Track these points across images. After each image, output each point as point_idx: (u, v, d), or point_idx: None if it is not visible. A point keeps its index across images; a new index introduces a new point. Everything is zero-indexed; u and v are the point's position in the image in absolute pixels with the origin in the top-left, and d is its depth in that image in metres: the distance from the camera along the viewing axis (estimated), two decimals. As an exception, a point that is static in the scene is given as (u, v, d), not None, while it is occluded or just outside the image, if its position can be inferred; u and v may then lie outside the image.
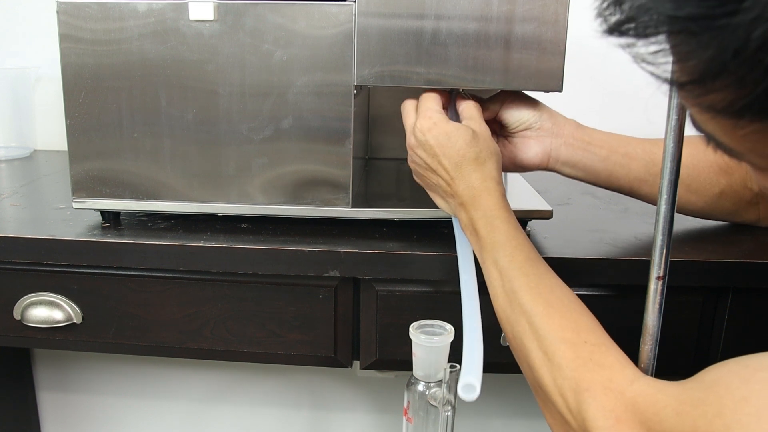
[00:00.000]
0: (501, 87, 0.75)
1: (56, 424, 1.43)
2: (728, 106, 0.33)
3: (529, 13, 0.72)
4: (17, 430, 1.35)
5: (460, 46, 0.73)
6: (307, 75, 0.75)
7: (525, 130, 0.77)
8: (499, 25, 0.72)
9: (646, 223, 0.88)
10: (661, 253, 0.56)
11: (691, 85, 0.34)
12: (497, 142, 0.79)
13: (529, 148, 0.77)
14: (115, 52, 0.76)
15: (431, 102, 0.72)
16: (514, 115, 0.77)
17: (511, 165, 0.79)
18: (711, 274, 0.76)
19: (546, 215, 0.81)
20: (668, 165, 0.54)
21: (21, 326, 0.82)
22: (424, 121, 0.70)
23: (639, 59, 0.35)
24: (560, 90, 0.74)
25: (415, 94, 1.06)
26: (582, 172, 0.79)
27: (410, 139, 0.71)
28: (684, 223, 0.87)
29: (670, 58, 0.34)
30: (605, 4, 0.36)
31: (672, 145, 0.54)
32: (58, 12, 0.75)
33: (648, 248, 0.71)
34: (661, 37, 0.34)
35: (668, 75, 0.35)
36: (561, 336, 0.55)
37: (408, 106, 0.74)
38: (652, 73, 0.35)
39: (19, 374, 1.35)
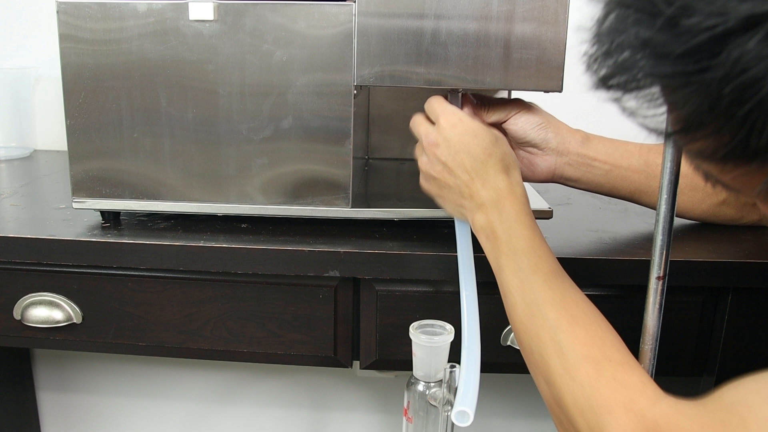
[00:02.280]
0: (501, 87, 0.75)
1: (56, 424, 1.43)
2: (712, 153, 0.35)
3: (529, 13, 0.72)
4: (17, 430, 1.35)
5: (460, 46, 0.73)
6: (307, 75, 0.75)
7: (530, 146, 0.77)
8: (499, 25, 0.72)
9: (646, 223, 0.88)
10: (661, 253, 0.56)
11: (677, 134, 0.36)
12: None
13: (534, 166, 0.78)
14: (115, 52, 0.76)
15: (446, 103, 0.71)
16: (521, 131, 0.76)
17: (528, 174, 0.79)
18: (711, 274, 0.76)
19: (546, 215, 0.81)
20: (668, 165, 0.54)
21: (21, 326, 0.82)
22: (449, 117, 0.68)
23: (627, 112, 0.37)
24: (560, 90, 0.74)
25: (416, 93, 1.06)
26: (584, 185, 0.80)
27: (430, 137, 0.68)
28: (684, 223, 0.87)
29: (656, 110, 0.36)
30: (593, 59, 0.37)
31: (672, 145, 0.54)
32: (58, 12, 0.75)
33: (648, 248, 0.71)
34: (647, 91, 0.35)
35: (656, 125, 0.37)
36: (585, 353, 0.54)
37: (421, 116, 0.72)
38: (641, 124, 0.37)
39: (19, 374, 1.35)
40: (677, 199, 0.78)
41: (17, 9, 1.26)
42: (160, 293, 0.81)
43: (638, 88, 0.35)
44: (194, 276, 0.80)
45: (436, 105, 0.70)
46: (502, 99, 0.79)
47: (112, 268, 0.80)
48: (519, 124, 0.76)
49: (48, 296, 0.81)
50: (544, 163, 0.78)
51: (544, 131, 0.76)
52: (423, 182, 0.72)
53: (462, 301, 0.65)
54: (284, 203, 0.79)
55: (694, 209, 0.82)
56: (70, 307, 0.81)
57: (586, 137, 0.79)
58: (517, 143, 0.78)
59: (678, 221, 0.86)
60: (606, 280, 0.77)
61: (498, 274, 0.63)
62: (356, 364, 0.84)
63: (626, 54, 0.35)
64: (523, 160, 0.78)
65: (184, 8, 0.74)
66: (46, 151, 1.29)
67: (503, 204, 0.64)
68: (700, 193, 0.80)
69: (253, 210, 0.80)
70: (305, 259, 0.76)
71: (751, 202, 0.82)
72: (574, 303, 0.57)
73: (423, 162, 0.70)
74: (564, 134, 0.77)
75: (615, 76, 0.36)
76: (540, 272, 0.59)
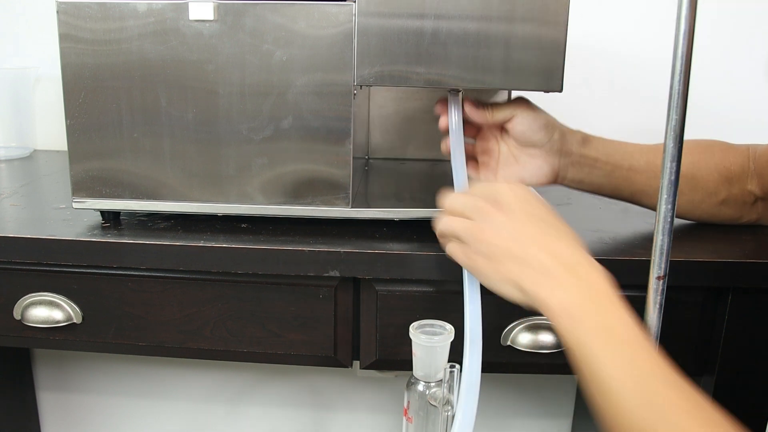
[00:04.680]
0: (501, 87, 0.75)
1: (56, 424, 1.43)
2: None
3: (529, 13, 0.72)
4: (17, 430, 1.35)
5: (460, 46, 0.73)
6: (307, 75, 0.75)
7: (533, 148, 0.77)
8: (499, 25, 0.72)
9: (646, 223, 0.88)
10: (661, 253, 0.56)
11: None
12: (503, 158, 0.79)
13: (538, 168, 0.77)
14: (115, 52, 0.76)
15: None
16: (527, 131, 0.76)
17: (529, 177, 0.79)
18: (711, 274, 0.76)
19: (546, 215, 0.81)
20: (668, 165, 0.54)
21: (21, 326, 0.82)
22: (507, 184, 0.59)
23: None
24: (560, 90, 0.74)
25: (416, 93, 1.06)
26: (587, 187, 0.80)
27: (486, 198, 0.59)
28: (684, 223, 0.87)
29: None
30: None
31: (672, 145, 0.54)
32: (58, 12, 0.75)
33: (648, 248, 0.71)
34: None
35: None
36: None
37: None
38: None
39: (19, 374, 1.35)
40: (677, 200, 0.78)
41: (17, 9, 1.26)
42: (160, 293, 0.81)
43: None
44: (194, 276, 0.80)
45: (479, 187, 0.62)
46: (505, 101, 0.79)
47: (112, 268, 0.80)
48: (525, 123, 0.76)
49: (48, 296, 0.81)
50: (547, 165, 0.77)
51: (549, 132, 0.76)
52: (459, 252, 0.60)
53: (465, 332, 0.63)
54: (284, 203, 0.79)
55: (694, 210, 0.82)
56: (70, 307, 0.81)
57: (586, 137, 0.79)
58: (520, 145, 0.77)
59: (678, 221, 0.86)
60: (606, 280, 0.77)
61: (586, 359, 0.50)
62: (356, 364, 0.84)
63: None
64: (527, 165, 0.78)
65: (184, 8, 0.74)
66: (46, 151, 1.29)
67: (580, 272, 0.53)
68: (699, 193, 0.81)
69: (253, 210, 0.80)
70: (305, 259, 0.76)
71: (750, 202, 0.81)
72: (700, 406, 0.47)
73: (468, 225, 0.59)
74: (566, 135, 0.77)
75: None
76: (658, 368, 0.48)
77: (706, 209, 0.82)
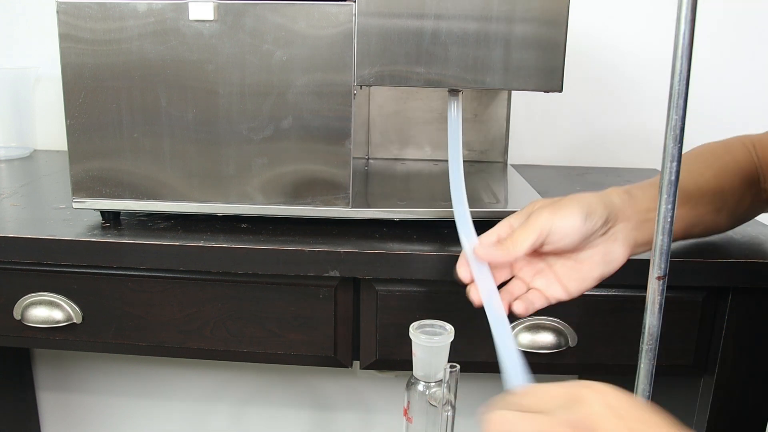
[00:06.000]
0: (501, 87, 0.75)
1: (56, 424, 1.43)
2: None
3: (529, 13, 0.72)
4: (17, 430, 1.35)
5: (460, 46, 0.73)
6: (307, 75, 0.75)
7: (590, 240, 0.63)
8: (499, 25, 0.72)
9: (646, 223, 0.88)
10: (661, 253, 0.56)
11: None
12: (564, 269, 0.64)
13: (610, 253, 0.63)
14: (115, 52, 0.76)
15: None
16: (575, 238, 0.61)
17: (605, 270, 0.65)
18: (711, 274, 0.76)
19: (546, 215, 0.81)
20: (668, 165, 0.54)
21: (21, 326, 0.82)
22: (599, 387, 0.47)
23: None
24: (560, 90, 0.74)
25: (416, 93, 1.05)
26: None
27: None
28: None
29: None
30: None
31: (672, 144, 0.54)
32: (58, 12, 0.75)
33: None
34: None
35: None
36: None
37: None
38: None
39: (19, 374, 1.35)
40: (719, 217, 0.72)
41: (17, 9, 1.26)
42: (160, 293, 0.81)
43: None
44: (194, 276, 0.80)
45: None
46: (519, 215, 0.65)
47: (112, 268, 0.80)
48: (564, 231, 0.61)
49: (48, 296, 0.81)
50: (616, 244, 0.64)
51: (594, 215, 0.62)
52: None
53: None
54: (284, 203, 0.79)
55: (724, 224, 0.76)
56: (70, 307, 0.81)
57: (627, 192, 0.66)
58: (575, 250, 0.64)
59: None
60: (606, 280, 0.77)
61: None
62: (356, 364, 0.84)
63: None
64: (596, 258, 0.64)
65: (184, 8, 0.74)
66: (46, 151, 1.29)
67: None
68: (732, 204, 0.74)
69: (253, 210, 0.80)
70: (305, 259, 0.76)
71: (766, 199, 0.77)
72: None
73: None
74: (611, 202, 0.64)
75: None
76: None
77: (736, 218, 0.76)
